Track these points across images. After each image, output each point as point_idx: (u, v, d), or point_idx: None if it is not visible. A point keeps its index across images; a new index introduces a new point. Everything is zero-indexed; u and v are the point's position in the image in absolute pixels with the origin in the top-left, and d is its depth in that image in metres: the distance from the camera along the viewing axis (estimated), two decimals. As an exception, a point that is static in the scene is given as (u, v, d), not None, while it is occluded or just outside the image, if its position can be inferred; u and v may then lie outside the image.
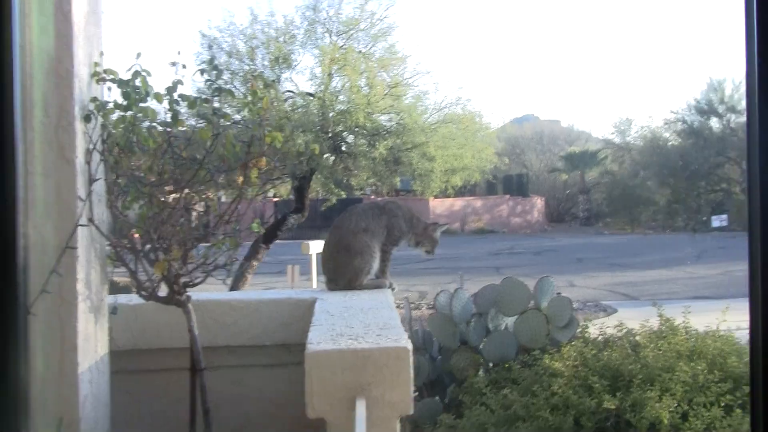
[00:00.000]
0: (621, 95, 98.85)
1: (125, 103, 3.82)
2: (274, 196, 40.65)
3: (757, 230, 1.82)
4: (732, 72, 56.99)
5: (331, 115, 15.85)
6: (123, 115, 3.87)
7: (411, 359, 3.38)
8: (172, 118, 3.95)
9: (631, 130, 51.95)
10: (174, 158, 4.02)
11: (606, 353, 5.66)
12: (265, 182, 4.27)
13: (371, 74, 16.35)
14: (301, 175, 15.61)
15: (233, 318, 4.62)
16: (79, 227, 3.52)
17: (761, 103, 1.78)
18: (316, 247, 15.21)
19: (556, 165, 53.22)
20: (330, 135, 16.00)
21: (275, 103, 14.85)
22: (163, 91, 3.94)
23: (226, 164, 4.07)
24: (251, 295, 5.08)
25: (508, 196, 47.52)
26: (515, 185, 48.88)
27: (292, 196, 17.73)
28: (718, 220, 39.82)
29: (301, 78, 27.44)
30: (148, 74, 3.87)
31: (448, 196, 26.71)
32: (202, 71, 4.05)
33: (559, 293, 6.69)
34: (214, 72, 4.03)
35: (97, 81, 3.85)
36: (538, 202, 48.58)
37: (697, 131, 46.31)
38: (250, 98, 4.03)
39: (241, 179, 3.99)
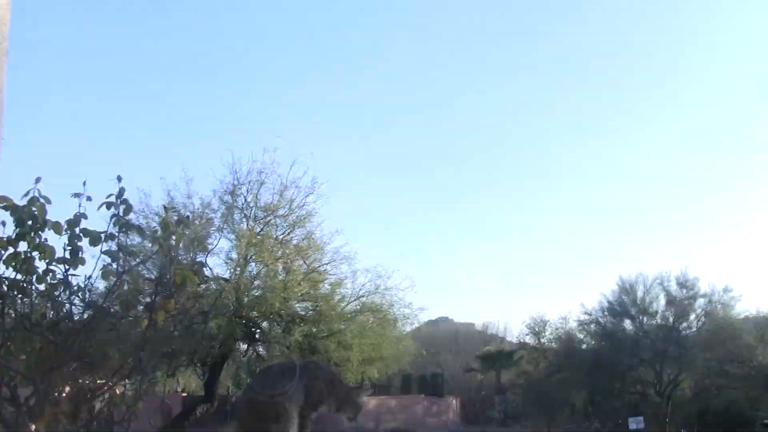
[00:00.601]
0: (532, 292, 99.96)
1: (17, 231, 3.37)
2: (183, 391, 39.48)
3: None
4: (642, 270, 58.36)
5: (246, 300, 15.41)
6: (15, 252, 3.40)
7: None
8: (71, 254, 3.50)
9: (546, 331, 52.17)
10: (70, 301, 3.55)
11: None
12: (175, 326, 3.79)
13: (288, 260, 16.09)
14: (212, 361, 15.03)
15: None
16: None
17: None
18: (226, 440, 14.33)
19: (471, 365, 52.87)
20: (244, 321, 15.51)
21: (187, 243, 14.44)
22: (63, 225, 3.50)
23: (130, 310, 3.61)
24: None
25: (423, 395, 46.71)
26: (430, 385, 48.18)
27: (201, 391, 17.07)
28: (635, 423, 39.46)
29: (216, 261, 27.05)
30: (47, 201, 3.44)
31: (364, 393, 26.00)
32: (109, 205, 3.62)
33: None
34: (122, 206, 3.62)
35: (-13, 208, 3.42)
36: (454, 403, 47.77)
37: (611, 333, 46.60)
38: (160, 233, 3.61)
39: (145, 323, 3.51)
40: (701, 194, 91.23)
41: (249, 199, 17.02)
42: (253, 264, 16.19)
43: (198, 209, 16.62)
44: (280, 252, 16.31)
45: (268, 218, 16.87)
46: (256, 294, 15.60)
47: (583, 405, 46.61)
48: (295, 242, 16.86)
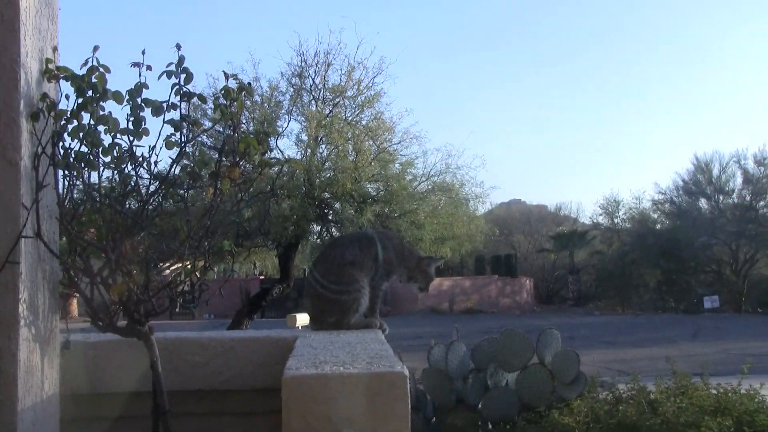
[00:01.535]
0: (606, 173, 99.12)
1: (79, 101, 3.32)
2: (260, 274, 40.37)
3: None
4: (719, 148, 57.26)
5: (317, 181, 15.48)
6: (79, 124, 3.36)
7: (408, 388, 2.83)
8: (134, 124, 3.44)
9: (619, 211, 51.79)
10: (136, 172, 3.51)
11: (621, 408, 5.10)
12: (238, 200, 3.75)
13: (358, 141, 16.07)
14: (286, 243, 15.20)
15: (204, 358, 4.03)
16: (23, 240, 3.00)
17: None
18: (303, 320, 14.49)
19: (544, 245, 52.92)
20: (316, 202, 15.61)
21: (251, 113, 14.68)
22: (124, 95, 3.44)
23: (196, 180, 3.57)
24: (225, 333, 4.52)
25: (496, 276, 46.98)
26: (504, 266, 48.41)
27: (278, 274, 17.32)
28: (709, 301, 39.38)
29: (286, 143, 27.24)
30: (107, 71, 3.37)
31: (438, 275, 26.21)
32: (169, 74, 3.53)
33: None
34: (183, 75, 3.53)
35: (49, 78, 3.37)
36: (527, 283, 48.04)
37: (686, 212, 46.06)
38: (222, 99, 3.53)
39: (210, 191, 3.47)
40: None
41: (317, 81, 17.06)
42: (323, 146, 16.27)
43: (266, 92, 16.71)
44: (349, 133, 16.33)
45: (337, 100, 16.89)
46: (328, 175, 15.70)
47: (657, 284, 46.55)
48: (364, 123, 16.88)
